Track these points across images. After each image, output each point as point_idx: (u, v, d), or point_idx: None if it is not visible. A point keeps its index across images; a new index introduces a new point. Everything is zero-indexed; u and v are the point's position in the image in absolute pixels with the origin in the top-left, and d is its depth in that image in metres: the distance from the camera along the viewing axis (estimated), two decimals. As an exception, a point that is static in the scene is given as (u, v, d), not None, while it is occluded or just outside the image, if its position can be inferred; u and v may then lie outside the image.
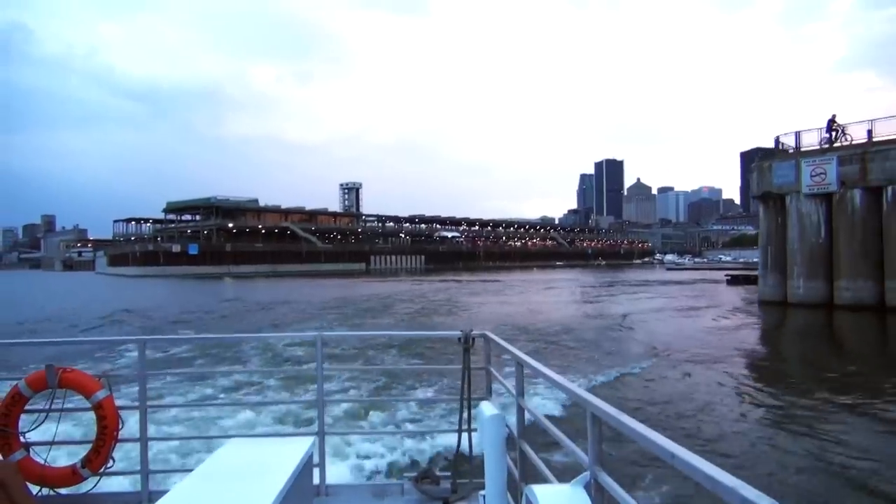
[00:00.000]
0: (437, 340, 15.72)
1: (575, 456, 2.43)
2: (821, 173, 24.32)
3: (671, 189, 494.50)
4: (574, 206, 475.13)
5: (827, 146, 25.26)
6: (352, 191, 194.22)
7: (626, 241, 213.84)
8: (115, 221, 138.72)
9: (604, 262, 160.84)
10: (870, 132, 23.98)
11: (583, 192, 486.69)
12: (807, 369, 14.64)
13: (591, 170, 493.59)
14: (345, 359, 14.29)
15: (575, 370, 13.20)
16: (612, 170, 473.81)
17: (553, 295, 40.32)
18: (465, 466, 4.14)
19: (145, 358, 4.29)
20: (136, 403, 4.26)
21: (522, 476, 3.40)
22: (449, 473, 4.21)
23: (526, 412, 3.41)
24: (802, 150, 25.95)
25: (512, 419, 3.53)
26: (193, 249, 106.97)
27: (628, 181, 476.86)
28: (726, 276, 50.07)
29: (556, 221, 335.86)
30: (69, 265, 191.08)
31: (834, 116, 25.95)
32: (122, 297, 42.43)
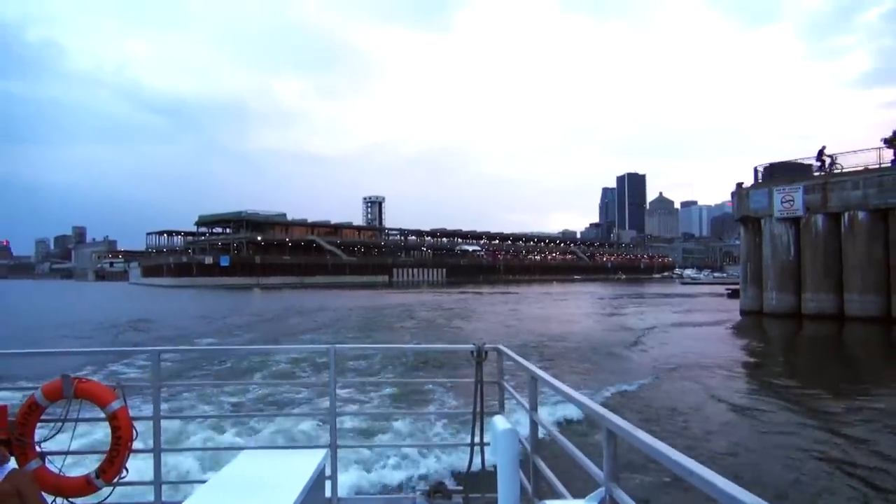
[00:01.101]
0: (450, 354, 15.73)
1: (589, 472, 2.40)
2: (789, 200, 27.86)
3: (694, 203, 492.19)
4: (596, 219, 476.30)
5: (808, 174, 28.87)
6: (375, 204, 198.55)
7: (646, 256, 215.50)
8: (148, 234, 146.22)
9: (624, 277, 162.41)
10: (832, 165, 27.57)
11: (605, 206, 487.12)
12: (774, 366, 17.57)
13: (613, 184, 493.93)
14: (357, 371, 14.36)
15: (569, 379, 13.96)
16: (634, 184, 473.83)
17: (562, 307, 44.18)
18: (477, 481, 4.10)
19: (160, 368, 4.31)
20: (150, 414, 4.27)
21: (536, 491, 3.39)
22: (461, 488, 4.19)
23: (539, 427, 3.40)
24: (774, 179, 29.53)
25: (525, 433, 3.53)
26: (225, 261, 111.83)
27: (651, 195, 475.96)
28: (727, 289, 53.30)
29: (578, 235, 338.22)
30: (101, 275, 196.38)
31: (823, 147, 29.35)
32: (172, 306, 47.29)
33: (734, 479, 1.47)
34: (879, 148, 28.08)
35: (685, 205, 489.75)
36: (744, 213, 30.26)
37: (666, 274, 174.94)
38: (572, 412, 9.31)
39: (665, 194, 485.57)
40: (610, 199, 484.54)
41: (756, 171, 31.04)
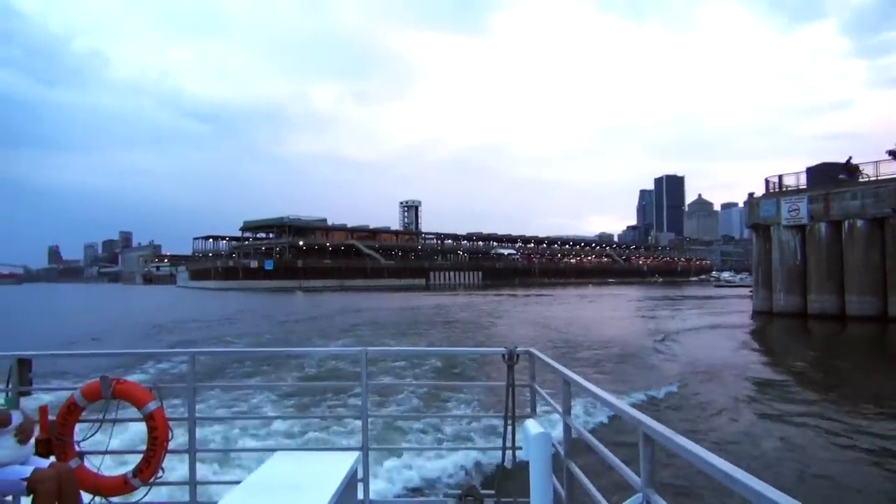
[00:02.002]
0: (481, 357, 15.87)
1: (625, 477, 2.37)
2: (795, 209, 30.35)
3: (735, 205, 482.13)
4: (634, 222, 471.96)
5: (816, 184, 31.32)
6: (411, 208, 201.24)
7: (683, 259, 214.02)
8: (195, 238, 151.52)
9: (660, 280, 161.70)
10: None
11: (642, 209, 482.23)
12: (783, 359, 19.10)
13: (650, 185, 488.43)
14: (389, 374, 14.43)
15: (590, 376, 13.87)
16: (672, 185, 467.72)
17: (592, 309, 47.26)
18: (509, 484, 4.10)
19: (195, 370, 4.41)
20: (186, 415, 4.35)
21: (569, 496, 3.36)
22: (493, 491, 4.13)
23: (572, 430, 3.39)
24: (784, 190, 32.04)
25: (557, 437, 3.58)
26: (269, 265, 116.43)
27: (689, 197, 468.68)
28: (750, 291, 55.11)
29: (615, 238, 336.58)
30: (148, 279, 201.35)
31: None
32: (234, 306, 51.98)
33: (774, 483, 1.45)
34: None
35: (725, 206, 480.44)
36: (754, 220, 32.87)
37: (703, 277, 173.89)
38: (604, 416, 9.41)
39: (704, 196, 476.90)
40: (648, 202, 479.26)
41: (767, 181, 33.49)
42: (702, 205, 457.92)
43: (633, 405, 3.45)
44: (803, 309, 30.18)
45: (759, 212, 32.35)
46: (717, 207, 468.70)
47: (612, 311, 42.64)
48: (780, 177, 32.62)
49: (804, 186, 31.70)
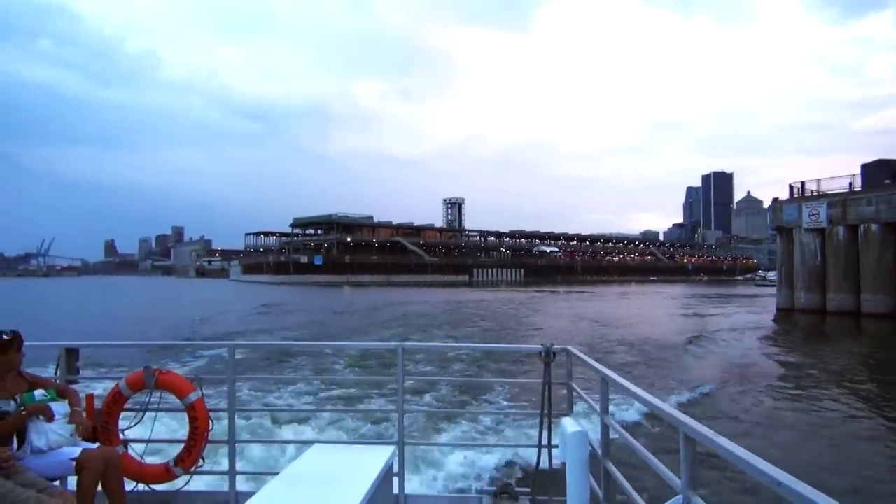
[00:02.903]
0: (518, 354, 15.85)
1: (665, 478, 2.35)
2: (815, 213, 32.50)
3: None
4: (680, 220, 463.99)
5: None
6: (455, 206, 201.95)
7: (729, 257, 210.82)
8: (247, 234, 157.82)
9: (705, 279, 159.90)
10: (851, 184, 32.05)
11: (689, 206, 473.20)
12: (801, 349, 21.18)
13: (698, 182, 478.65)
14: (425, 369, 14.48)
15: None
16: (720, 182, 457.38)
17: (627, 306, 49.88)
18: (544, 483, 4.08)
19: (235, 362, 4.44)
20: (225, 406, 4.41)
21: (607, 496, 3.32)
22: (528, 489, 4.14)
23: (610, 429, 3.34)
24: (805, 196, 34.19)
25: (595, 436, 3.52)
26: (318, 261, 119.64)
27: (738, 194, 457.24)
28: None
29: (661, 236, 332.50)
30: (201, 272, 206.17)
31: None
32: (289, 300, 56.68)
33: (822, 488, 1.42)
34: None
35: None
36: (778, 223, 35.13)
37: (748, 276, 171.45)
38: (641, 415, 9.40)
39: (754, 193, 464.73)
40: (695, 199, 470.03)
41: (791, 187, 35.63)
42: (751, 202, 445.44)
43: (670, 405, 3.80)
44: (822, 306, 32.35)
45: (783, 215, 34.59)
46: (766, 205, 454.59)
47: (643, 308, 45.30)
48: (803, 182, 34.72)
49: (826, 192, 33.78)
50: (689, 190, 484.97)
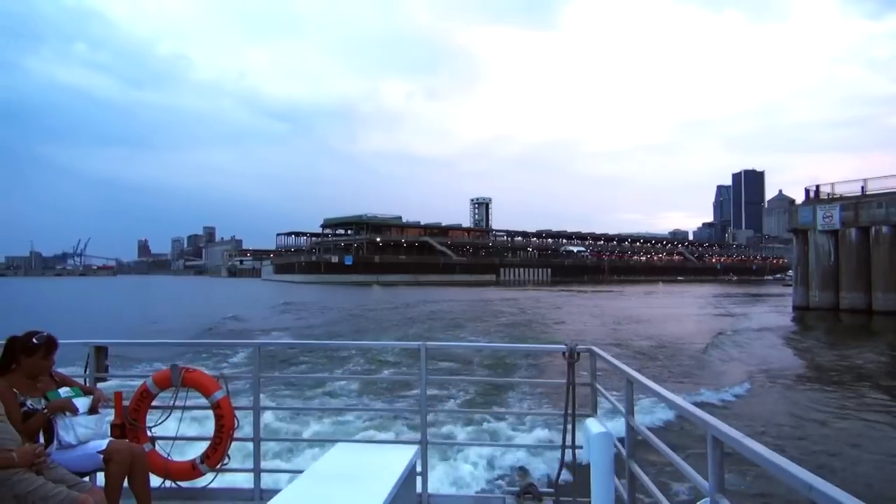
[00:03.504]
0: (541, 354, 15.81)
1: (692, 480, 2.32)
2: (829, 216, 33.99)
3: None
4: (710, 219, 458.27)
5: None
6: (482, 205, 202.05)
7: (759, 257, 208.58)
8: (278, 234, 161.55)
9: (735, 278, 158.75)
10: (863, 187, 33.43)
11: (719, 205, 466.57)
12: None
13: (728, 181, 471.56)
14: (447, 369, 14.54)
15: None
16: (751, 181, 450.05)
17: (645, 304, 51.68)
18: (568, 484, 4.13)
19: (260, 361, 4.51)
20: (251, 404, 4.48)
21: (631, 498, 3.29)
22: (552, 490, 4.12)
23: (635, 430, 3.30)
24: (820, 198, 35.72)
25: (619, 437, 3.50)
26: (349, 260, 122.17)
27: (769, 193, 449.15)
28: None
29: (690, 235, 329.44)
30: (232, 272, 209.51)
31: None
32: (325, 299, 59.59)
33: (852, 491, 1.40)
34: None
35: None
36: (794, 225, 36.72)
37: (778, 276, 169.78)
38: (666, 416, 9.27)
39: (785, 191, 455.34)
40: (725, 198, 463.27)
41: (807, 190, 37.17)
42: (782, 201, 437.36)
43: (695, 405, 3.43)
44: (836, 304, 33.85)
45: (798, 218, 36.15)
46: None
47: (667, 307, 46.92)
48: (818, 186, 36.24)
49: (840, 195, 35.27)
50: (720, 188, 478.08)
